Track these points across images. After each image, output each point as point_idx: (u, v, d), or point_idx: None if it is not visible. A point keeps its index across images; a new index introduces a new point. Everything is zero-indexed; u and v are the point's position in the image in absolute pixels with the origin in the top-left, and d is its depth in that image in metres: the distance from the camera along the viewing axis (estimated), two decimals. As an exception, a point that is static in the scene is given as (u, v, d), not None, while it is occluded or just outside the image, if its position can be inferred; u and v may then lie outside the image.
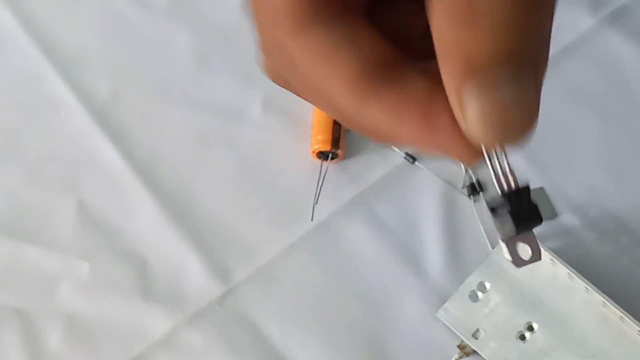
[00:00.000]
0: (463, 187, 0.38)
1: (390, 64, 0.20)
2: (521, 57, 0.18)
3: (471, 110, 0.19)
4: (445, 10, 0.18)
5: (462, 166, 0.39)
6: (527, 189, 0.21)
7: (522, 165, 0.39)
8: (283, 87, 0.23)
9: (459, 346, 0.35)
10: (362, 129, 0.20)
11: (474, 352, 0.35)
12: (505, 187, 0.20)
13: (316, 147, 0.39)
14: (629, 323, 0.33)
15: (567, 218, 0.38)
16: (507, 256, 0.21)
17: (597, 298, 0.34)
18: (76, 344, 0.37)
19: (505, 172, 0.20)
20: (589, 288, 0.34)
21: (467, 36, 0.18)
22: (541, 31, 0.19)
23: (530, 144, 0.41)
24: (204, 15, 0.44)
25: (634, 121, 0.40)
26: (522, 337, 0.35)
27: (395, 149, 0.39)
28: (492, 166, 0.20)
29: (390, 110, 0.20)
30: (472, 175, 0.39)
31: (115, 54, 0.43)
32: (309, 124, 0.40)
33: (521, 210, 0.21)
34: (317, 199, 0.39)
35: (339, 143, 0.39)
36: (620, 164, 0.39)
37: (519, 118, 0.19)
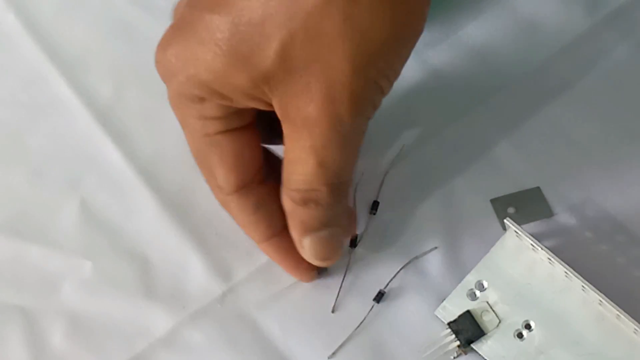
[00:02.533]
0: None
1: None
2: (333, 225, 0.34)
3: (306, 249, 0.35)
4: (287, 198, 0.33)
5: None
6: None
7: (518, 165, 0.40)
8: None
9: (457, 345, 0.36)
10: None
11: (472, 350, 0.36)
12: None
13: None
14: (625, 321, 0.34)
15: (563, 217, 0.38)
16: None
17: (594, 296, 0.34)
18: (79, 341, 0.37)
19: None
20: (586, 287, 0.34)
21: (302, 213, 0.33)
22: (342, 215, 0.35)
23: (527, 145, 0.42)
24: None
25: (630, 121, 0.40)
26: (520, 335, 0.35)
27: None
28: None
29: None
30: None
31: (118, 56, 0.44)
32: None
33: None
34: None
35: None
36: (617, 164, 0.39)
37: (331, 253, 0.35)
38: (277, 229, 0.35)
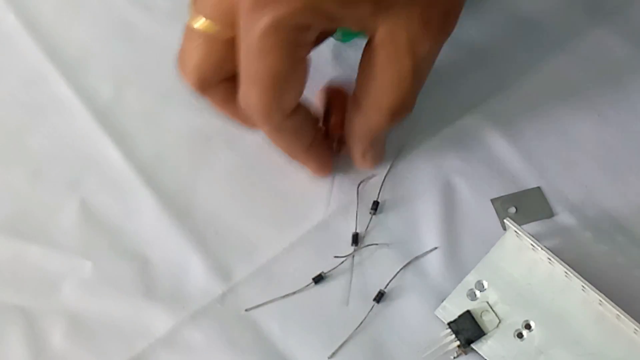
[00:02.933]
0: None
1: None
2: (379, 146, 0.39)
3: (369, 158, 0.38)
4: (374, 116, 0.35)
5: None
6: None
7: (519, 165, 0.40)
8: (202, 94, 0.36)
9: (457, 344, 0.36)
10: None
11: (472, 350, 0.36)
12: None
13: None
14: (625, 321, 0.34)
15: (563, 217, 0.38)
16: None
17: (594, 296, 0.34)
18: (78, 341, 0.37)
19: None
20: (586, 287, 0.34)
21: (385, 128, 0.36)
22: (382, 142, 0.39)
23: (527, 145, 0.42)
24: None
25: (629, 121, 0.40)
26: (520, 335, 0.35)
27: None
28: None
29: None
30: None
31: (118, 56, 0.44)
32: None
33: None
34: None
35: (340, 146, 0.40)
36: (616, 163, 0.39)
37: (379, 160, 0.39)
38: (313, 137, 0.38)
